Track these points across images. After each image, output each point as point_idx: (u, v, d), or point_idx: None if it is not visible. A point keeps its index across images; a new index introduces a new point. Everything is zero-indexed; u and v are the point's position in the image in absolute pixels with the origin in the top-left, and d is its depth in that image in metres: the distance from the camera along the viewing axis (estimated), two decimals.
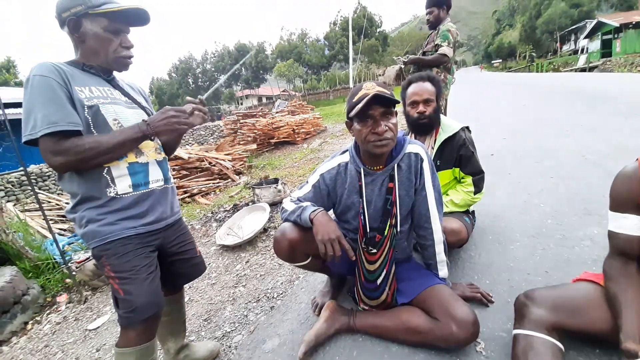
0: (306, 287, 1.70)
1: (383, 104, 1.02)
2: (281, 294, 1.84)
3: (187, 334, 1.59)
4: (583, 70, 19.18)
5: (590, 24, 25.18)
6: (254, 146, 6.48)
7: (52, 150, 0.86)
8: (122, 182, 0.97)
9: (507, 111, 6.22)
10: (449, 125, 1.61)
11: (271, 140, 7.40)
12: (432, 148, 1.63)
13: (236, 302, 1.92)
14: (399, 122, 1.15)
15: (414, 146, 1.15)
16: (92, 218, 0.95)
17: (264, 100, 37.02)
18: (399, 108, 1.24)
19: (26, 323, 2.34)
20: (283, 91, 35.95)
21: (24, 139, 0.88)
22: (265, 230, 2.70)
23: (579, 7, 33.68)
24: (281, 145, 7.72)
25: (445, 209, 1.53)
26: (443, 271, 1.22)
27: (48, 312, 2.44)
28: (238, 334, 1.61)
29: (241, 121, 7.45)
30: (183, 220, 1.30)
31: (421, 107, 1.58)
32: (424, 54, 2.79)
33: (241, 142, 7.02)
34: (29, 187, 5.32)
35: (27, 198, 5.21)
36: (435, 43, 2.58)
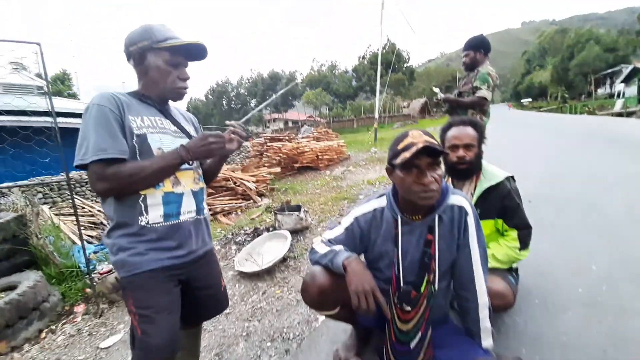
0: (327, 335, 1.57)
1: (430, 154, 0.97)
2: (297, 335, 1.72)
3: None
4: (620, 115, 18.36)
5: (626, 69, 24.49)
6: (278, 169, 6.58)
7: (97, 176, 0.89)
8: (154, 212, 0.97)
9: (542, 154, 5.94)
10: (492, 173, 1.52)
11: (294, 165, 7.50)
12: (472, 195, 1.54)
13: (250, 338, 1.82)
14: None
15: (458, 197, 1.07)
16: (123, 246, 0.96)
17: (290, 124, 38.35)
18: None
19: (41, 331, 2.34)
20: (309, 117, 37.19)
21: (75, 163, 0.92)
22: (284, 259, 2.63)
23: (614, 51, 33.10)
24: (304, 170, 7.79)
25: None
26: (487, 341, 1.07)
27: (64, 321, 2.45)
28: None
29: (268, 144, 7.66)
30: (214, 251, 1.27)
31: (461, 152, 1.51)
32: (459, 94, 2.76)
33: (266, 165, 7.17)
34: (67, 192, 5.66)
35: (62, 202, 5.51)
36: (474, 85, 2.55)
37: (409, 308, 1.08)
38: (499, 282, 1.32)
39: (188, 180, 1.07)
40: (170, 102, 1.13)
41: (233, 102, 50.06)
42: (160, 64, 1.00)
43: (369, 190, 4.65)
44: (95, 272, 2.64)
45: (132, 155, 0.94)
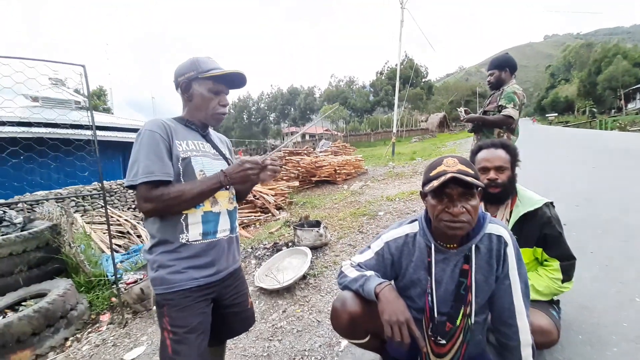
0: None
1: (461, 185, 0.94)
2: (320, 359, 1.67)
3: None
4: None
5: None
6: (297, 183, 6.63)
7: (145, 197, 0.95)
8: (194, 230, 1.02)
9: (575, 173, 5.64)
10: (529, 198, 1.45)
11: (312, 178, 7.53)
12: (507, 221, 1.47)
13: (271, 359, 1.78)
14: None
15: (496, 227, 1.02)
16: (163, 263, 1.00)
17: (307, 137, 38.97)
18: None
19: (67, 339, 2.39)
20: (326, 130, 37.64)
21: (126, 184, 0.99)
22: (304, 277, 2.60)
23: None
24: (322, 183, 7.80)
25: None
26: None
27: (90, 330, 2.51)
28: None
29: (287, 157, 7.78)
30: (242, 269, 1.30)
31: (492, 174, 1.45)
32: (484, 112, 2.71)
33: (284, 178, 7.25)
34: (98, 201, 5.96)
35: (93, 210, 5.79)
36: (499, 104, 2.50)
37: (443, 341, 1.02)
38: (541, 316, 1.23)
39: (224, 200, 1.12)
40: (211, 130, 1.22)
41: (253, 117, 51.78)
42: (203, 92, 1.08)
43: (389, 206, 4.56)
44: (121, 281, 2.72)
45: (176, 177, 1.01)
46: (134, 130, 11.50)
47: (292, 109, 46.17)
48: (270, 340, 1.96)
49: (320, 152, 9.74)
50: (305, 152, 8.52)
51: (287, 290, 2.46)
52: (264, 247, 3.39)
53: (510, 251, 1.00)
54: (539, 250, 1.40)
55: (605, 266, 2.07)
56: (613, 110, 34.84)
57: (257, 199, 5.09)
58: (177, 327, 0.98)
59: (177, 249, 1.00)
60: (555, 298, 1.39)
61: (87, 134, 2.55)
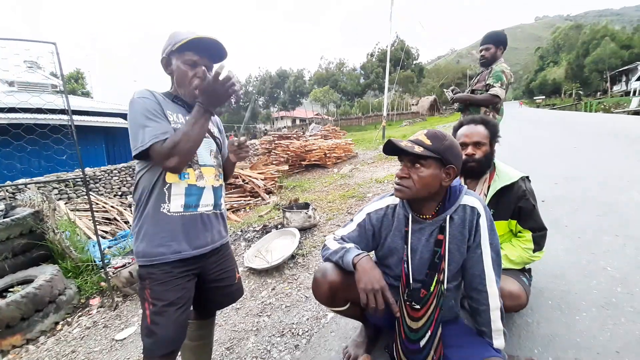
0: (337, 332, 1.59)
1: (408, 152, 1.00)
2: (307, 331, 1.74)
3: None
4: (636, 113, 17.72)
5: None
6: (286, 167, 6.61)
7: (164, 154, 0.94)
8: (176, 201, 1.03)
9: (556, 153, 5.81)
10: (506, 173, 1.49)
11: (302, 162, 7.52)
12: (485, 195, 1.52)
13: (260, 333, 1.85)
14: None
15: (470, 198, 1.06)
16: (146, 235, 1.02)
17: (298, 122, 38.43)
18: None
19: (57, 323, 2.40)
20: (316, 114, 37.17)
21: (135, 152, 0.96)
22: (293, 257, 2.65)
23: (629, 48, 32.04)
24: (312, 167, 7.80)
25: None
26: (499, 341, 1.07)
27: (80, 314, 2.53)
28: None
29: (276, 142, 7.70)
30: (229, 244, 1.31)
31: (470, 150, 1.49)
32: (472, 91, 2.71)
33: (274, 162, 7.21)
34: (81, 188, 5.81)
35: (77, 197, 5.66)
36: (487, 83, 2.49)
37: (418, 306, 1.08)
38: (512, 282, 1.31)
39: (210, 176, 1.12)
40: None
41: (242, 100, 50.52)
42: (180, 65, 1.05)
43: (377, 188, 4.63)
44: (109, 266, 2.72)
45: None
46: (117, 115, 11.08)
47: (282, 92, 45.10)
48: (260, 316, 2.02)
49: (310, 136, 9.67)
50: (295, 136, 8.44)
51: (276, 270, 2.52)
52: (254, 229, 3.42)
53: (483, 222, 1.05)
54: (514, 222, 1.46)
55: (578, 238, 2.19)
56: (599, 93, 35.41)
57: (247, 183, 5.06)
58: (157, 299, 1.00)
59: (158, 220, 1.01)
60: (527, 267, 1.47)
61: (65, 118, 2.45)
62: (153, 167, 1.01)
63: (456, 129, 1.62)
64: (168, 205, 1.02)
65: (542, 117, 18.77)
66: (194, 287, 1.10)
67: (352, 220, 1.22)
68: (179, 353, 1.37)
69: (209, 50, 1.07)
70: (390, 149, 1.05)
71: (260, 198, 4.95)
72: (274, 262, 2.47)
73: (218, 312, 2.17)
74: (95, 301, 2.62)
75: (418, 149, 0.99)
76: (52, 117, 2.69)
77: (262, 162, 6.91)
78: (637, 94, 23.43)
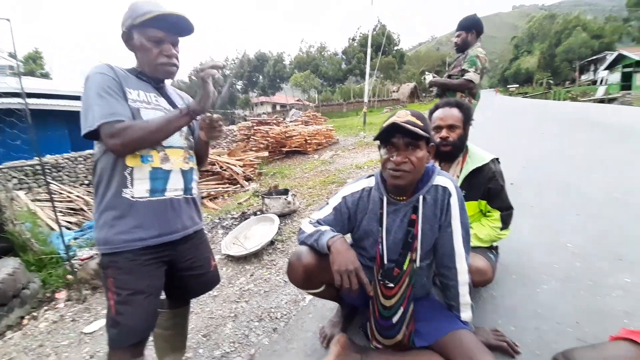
0: (314, 313, 1.60)
1: (409, 134, 0.97)
2: (285, 315, 1.75)
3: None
4: (601, 101, 18.86)
5: (610, 56, 24.86)
6: (266, 153, 6.48)
7: (109, 134, 0.88)
8: (140, 185, 0.96)
9: (526, 139, 6.08)
10: (478, 155, 1.53)
11: (283, 149, 7.41)
12: (458, 177, 1.55)
13: (238, 318, 1.83)
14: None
15: (443, 179, 1.08)
16: (107, 222, 0.95)
17: (278, 107, 37.55)
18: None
19: (22, 318, 2.29)
20: (297, 100, 36.48)
21: (83, 132, 0.90)
22: (272, 242, 2.63)
23: (600, 38, 33.56)
24: (292, 154, 7.71)
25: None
26: (466, 314, 1.12)
27: (46, 308, 2.40)
28: (237, 356, 1.53)
29: (255, 128, 7.50)
30: (204, 231, 1.26)
31: (444, 133, 1.51)
32: (449, 77, 2.73)
33: (253, 149, 7.04)
34: (42, 177, 5.40)
35: (39, 187, 5.27)
36: (462, 68, 2.51)
37: (392, 285, 1.10)
38: (479, 259, 1.36)
39: (177, 159, 1.06)
40: (167, 82, 1.14)
41: (219, 85, 48.22)
42: (143, 41, 0.98)
43: (357, 174, 4.66)
44: (75, 258, 2.58)
45: None
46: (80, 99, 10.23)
47: (261, 76, 43.59)
48: (238, 302, 2.01)
49: (291, 122, 9.50)
50: (275, 121, 8.25)
51: (254, 256, 2.49)
52: (232, 217, 3.35)
53: (454, 201, 1.07)
54: (484, 202, 1.52)
55: (542, 218, 2.32)
56: (567, 82, 37.14)
57: (225, 170, 4.92)
58: (121, 289, 0.95)
59: (121, 205, 0.94)
60: (494, 244, 1.54)
61: (21, 102, 2.22)
62: None
63: (432, 112, 1.64)
64: (131, 190, 0.95)
65: (514, 104, 19.56)
66: (163, 275, 1.06)
67: (327, 203, 1.21)
68: (152, 342, 1.34)
69: (175, 26, 1.00)
70: (387, 133, 1.01)
71: (239, 185, 4.84)
72: (253, 249, 2.44)
73: (194, 300, 2.13)
74: (61, 294, 2.49)
75: (420, 131, 0.97)
76: (8, 100, 2.45)
77: (240, 148, 6.73)
78: (603, 83, 24.73)
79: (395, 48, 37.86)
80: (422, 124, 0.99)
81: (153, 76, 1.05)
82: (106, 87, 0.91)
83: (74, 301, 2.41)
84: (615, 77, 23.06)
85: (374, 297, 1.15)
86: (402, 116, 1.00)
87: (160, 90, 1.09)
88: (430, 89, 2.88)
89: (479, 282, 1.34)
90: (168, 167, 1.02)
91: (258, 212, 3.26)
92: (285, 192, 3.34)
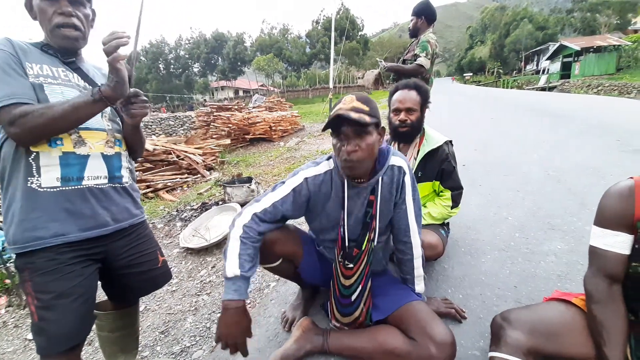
0: (277, 299, 1.59)
1: (355, 122, 0.94)
2: (249, 303, 1.72)
3: (140, 349, 1.43)
4: (543, 89, 20.75)
5: (552, 47, 27.11)
6: (228, 141, 6.19)
7: (9, 120, 0.78)
8: (49, 173, 0.84)
9: (478, 123, 6.54)
10: (433, 138, 1.59)
11: (246, 136, 7.14)
12: (415, 159, 1.60)
13: (199, 312, 1.77)
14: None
15: (397, 158, 1.10)
16: (14, 217, 0.83)
17: (241, 93, 35.88)
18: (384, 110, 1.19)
19: None
20: (261, 85, 35.19)
21: None
22: None
23: (544, 29, 36.50)
24: (257, 141, 7.48)
25: (422, 222, 1.51)
26: (420, 286, 1.18)
27: None
28: (199, 349, 1.48)
29: (215, 114, 7.09)
30: (146, 224, 1.16)
31: (402, 115, 1.55)
32: (404, 62, 2.78)
33: (214, 136, 6.68)
34: None
35: None
36: (415, 52, 2.58)
37: (351, 265, 1.12)
38: (431, 235, 1.44)
39: (97, 142, 0.93)
40: (86, 58, 1.00)
41: (172, 67, 44.10)
42: (39, 2, 0.86)
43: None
44: (11, 261, 2.29)
45: None
46: None
47: (220, 58, 40.94)
48: (199, 295, 1.93)
49: (254, 107, 9.15)
50: (237, 107, 7.88)
51: (216, 247, 2.40)
52: (191, 208, 3.18)
53: (407, 179, 1.10)
54: (437, 183, 1.59)
55: (488, 195, 2.53)
56: (515, 72, 40.26)
57: (182, 159, 4.62)
58: (42, 292, 0.84)
59: (28, 197, 0.82)
60: (446, 221, 1.64)
61: None
62: None
63: (392, 94, 1.65)
64: (38, 180, 0.83)
65: (468, 92, 20.86)
66: (96, 274, 0.95)
67: (283, 182, 1.13)
68: (101, 347, 1.24)
69: None
70: (334, 123, 0.97)
71: (199, 175, 4.59)
72: (214, 240, 2.34)
73: (150, 297, 2.02)
74: (1, 301, 2.22)
75: (366, 118, 0.94)
76: None
77: (199, 136, 6.34)
78: (545, 72, 27.05)
79: (360, 33, 37.85)
80: (367, 109, 0.97)
81: (59, 47, 0.91)
82: (4, 65, 0.80)
83: (15, 307, 2.15)
84: (556, 66, 25.09)
85: (335, 277, 1.16)
86: (347, 102, 0.98)
87: (71, 65, 0.95)
88: (389, 74, 2.92)
89: (431, 256, 1.43)
90: (84, 151, 0.90)
91: (220, 202, 3.13)
92: (249, 180, 3.24)
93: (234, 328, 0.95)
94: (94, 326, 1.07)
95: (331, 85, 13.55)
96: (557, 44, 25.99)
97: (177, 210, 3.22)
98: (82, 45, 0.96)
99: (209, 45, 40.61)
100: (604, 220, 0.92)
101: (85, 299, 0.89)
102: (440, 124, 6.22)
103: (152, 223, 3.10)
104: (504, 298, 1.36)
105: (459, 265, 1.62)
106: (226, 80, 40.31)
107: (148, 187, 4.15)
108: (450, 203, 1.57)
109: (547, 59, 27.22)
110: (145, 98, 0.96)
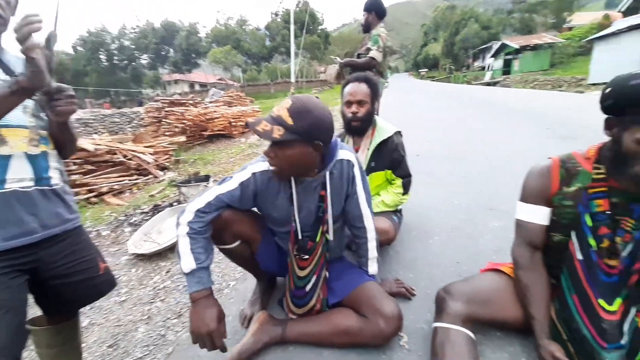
0: (236, 298, 1.56)
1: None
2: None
3: None
4: (489, 84, 22.68)
5: (496, 45, 29.70)
6: (183, 138, 5.82)
7: None
8: None
9: (432, 116, 6.97)
10: (384, 129, 1.66)
11: (204, 133, 6.79)
12: (368, 149, 1.66)
13: (152, 320, 1.66)
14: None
15: (344, 152, 1.13)
16: None
17: (197, 87, 33.91)
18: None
19: None
20: (219, 79, 33.56)
21: None
22: None
23: (488, 29, 39.69)
24: (216, 138, 7.15)
25: (376, 209, 1.58)
26: (373, 267, 1.24)
27: None
28: (153, 359, 1.39)
29: (167, 109, 6.61)
30: (82, 230, 1.05)
31: (354, 108, 1.59)
32: (358, 56, 2.86)
33: (167, 133, 6.24)
34: None
35: None
36: (368, 46, 2.67)
37: (306, 257, 1.13)
38: (383, 221, 1.52)
39: (19, 141, 0.83)
40: (8, 48, 0.88)
41: (116, 58, 39.82)
42: None
43: None
44: None
45: None
46: None
47: (172, 50, 38.13)
48: (152, 302, 1.81)
49: (211, 102, 8.72)
50: (191, 102, 7.43)
51: (170, 251, 2.27)
52: (142, 211, 2.96)
53: (356, 170, 1.14)
54: (389, 172, 1.67)
55: (438, 181, 2.73)
56: (464, 68, 43.37)
57: (130, 159, 4.25)
58: None
59: None
60: (399, 208, 1.73)
61: None
62: None
63: (343, 87, 1.69)
64: None
65: (424, 87, 22.08)
66: (25, 285, 0.86)
67: (231, 177, 1.11)
68: None
69: None
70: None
71: (151, 176, 4.27)
72: (167, 243, 2.21)
73: (95, 310, 1.85)
74: None
75: (277, 133, 0.89)
76: None
77: (149, 133, 5.88)
78: (490, 68, 29.52)
79: (320, 27, 37.82)
80: (290, 123, 0.90)
81: None
82: None
83: None
84: (499, 63, 27.53)
85: (290, 270, 1.17)
86: (278, 109, 0.94)
87: None
88: (348, 69, 2.98)
89: (384, 241, 1.50)
90: (5, 151, 0.81)
91: (175, 203, 2.95)
92: (206, 178, 3.10)
93: (207, 317, 0.94)
94: (32, 342, 0.99)
95: (293, 79, 13.41)
96: (500, 43, 28.55)
97: (125, 215, 2.97)
98: (2, 30, 0.83)
99: (157, 35, 37.52)
100: (526, 196, 1.05)
101: (15, 313, 0.80)
102: (398, 117, 6.51)
103: (96, 230, 2.82)
104: (449, 274, 1.48)
105: (411, 248, 1.73)
106: (180, 73, 37.72)
107: (90, 191, 3.76)
108: (401, 190, 1.66)
109: (492, 57, 29.77)
110: (71, 93, 0.86)
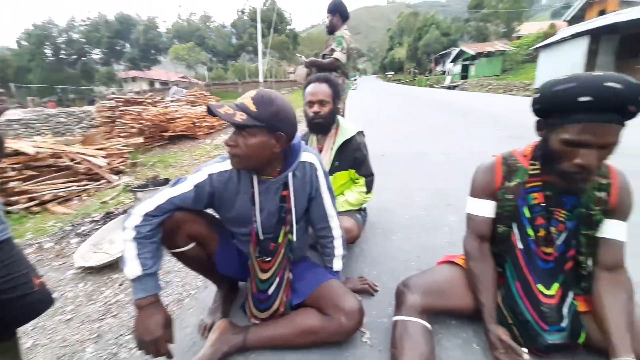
0: (196, 307, 1.48)
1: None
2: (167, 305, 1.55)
3: None
4: (449, 88, 24.21)
5: (454, 51, 31.74)
6: (141, 140, 5.42)
7: None
8: None
9: (396, 117, 7.24)
10: (346, 129, 1.68)
11: (164, 133, 6.40)
12: (332, 149, 1.67)
13: (102, 338, 1.52)
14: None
15: (307, 154, 1.13)
16: None
17: (158, 85, 31.90)
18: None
19: None
20: (182, 77, 31.94)
21: None
22: None
23: (448, 35, 42.21)
24: (178, 139, 6.78)
25: (341, 209, 1.60)
26: (338, 264, 1.25)
27: None
28: None
29: (122, 108, 6.12)
30: (12, 243, 0.93)
31: (315, 108, 1.60)
32: (323, 57, 2.88)
33: (122, 134, 5.78)
34: None
35: None
36: (332, 47, 2.70)
37: (269, 259, 1.11)
38: (347, 220, 1.54)
39: None
40: None
41: (63, 52, 36.00)
42: None
43: None
44: None
45: None
46: None
47: (128, 45, 35.48)
48: (102, 319, 1.66)
49: (172, 101, 8.26)
50: (150, 101, 6.97)
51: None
52: (92, 220, 2.71)
53: (320, 173, 1.14)
54: (353, 171, 1.69)
55: (402, 180, 2.83)
56: (427, 72, 45.69)
57: (78, 163, 3.87)
58: None
59: None
60: (363, 206, 1.77)
61: None
62: None
63: (304, 87, 1.69)
64: None
65: (390, 89, 22.94)
66: None
67: (186, 179, 1.05)
68: None
69: None
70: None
71: (104, 181, 3.92)
72: (120, 253, 2.03)
73: (39, 331, 1.66)
74: None
75: (240, 117, 0.89)
76: None
77: (101, 134, 5.41)
78: (449, 73, 31.48)
79: (288, 27, 37.58)
80: (254, 109, 0.90)
81: None
82: None
83: None
84: (458, 68, 29.54)
85: (252, 273, 1.14)
86: (243, 96, 0.95)
87: None
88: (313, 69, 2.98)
89: (348, 240, 1.51)
90: None
91: (129, 210, 2.74)
92: (166, 182, 2.92)
93: (151, 324, 0.91)
94: None
95: (261, 79, 13.19)
96: (458, 49, 30.53)
97: (72, 225, 2.69)
98: None
99: (111, 28, 34.58)
100: (474, 191, 1.12)
101: None
102: (365, 118, 6.67)
103: (37, 243, 2.53)
104: (409, 268, 1.54)
105: (375, 245, 1.77)
106: (138, 70, 35.18)
107: (31, 199, 3.36)
108: (364, 189, 1.69)
109: (451, 62, 31.76)
110: (0, 90, 0.76)
